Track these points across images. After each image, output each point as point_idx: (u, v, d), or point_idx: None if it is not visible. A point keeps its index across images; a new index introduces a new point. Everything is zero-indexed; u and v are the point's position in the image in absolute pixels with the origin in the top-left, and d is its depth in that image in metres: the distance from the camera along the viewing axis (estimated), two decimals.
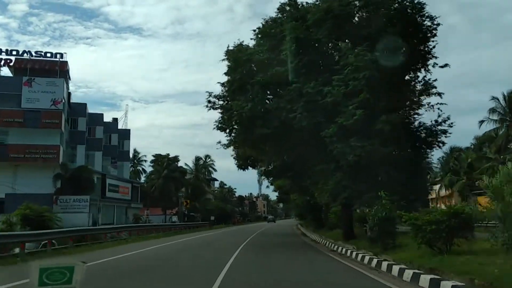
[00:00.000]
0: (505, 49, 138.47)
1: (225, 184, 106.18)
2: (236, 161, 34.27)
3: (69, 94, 46.04)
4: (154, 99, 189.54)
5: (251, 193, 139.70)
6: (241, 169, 34.83)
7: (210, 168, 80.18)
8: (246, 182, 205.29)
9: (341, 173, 19.84)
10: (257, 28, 23.11)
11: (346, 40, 20.47)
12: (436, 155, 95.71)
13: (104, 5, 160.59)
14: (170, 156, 67.64)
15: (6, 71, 44.46)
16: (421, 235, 12.09)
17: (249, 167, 35.94)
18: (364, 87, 18.45)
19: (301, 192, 34.72)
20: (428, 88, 19.77)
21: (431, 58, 21.33)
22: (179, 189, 67.73)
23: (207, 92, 23.04)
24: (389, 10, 20.34)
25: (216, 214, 72.27)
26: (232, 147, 24.67)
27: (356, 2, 20.44)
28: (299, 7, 22.41)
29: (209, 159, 79.29)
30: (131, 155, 75.04)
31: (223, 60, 23.01)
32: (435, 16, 20.80)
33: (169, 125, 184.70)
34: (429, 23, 20.81)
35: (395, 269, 11.10)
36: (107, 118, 59.63)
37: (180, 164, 70.78)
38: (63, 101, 41.84)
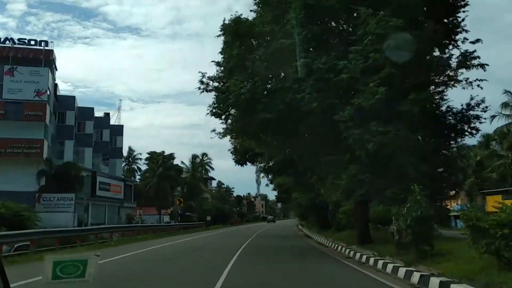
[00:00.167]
0: (504, 48, 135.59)
1: (223, 184, 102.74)
2: (234, 156, 30.91)
3: (55, 85, 42.53)
4: (152, 99, 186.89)
5: (249, 193, 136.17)
6: (239, 164, 31.46)
7: (207, 167, 76.64)
8: (244, 182, 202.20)
9: (357, 165, 16.42)
10: None
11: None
12: None
13: (103, 4, 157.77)
14: (166, 154, 64.16)
15: None
16: (486, 242, 8.66)
17: (247, 163, 32.58)
18: (387, 60, 15.06)
19: (305, 190, 31.31)
20: (467, 59, 16.22)
21: (460, 32, 17.94)
22: (175, 188, 64.28)
23: (199, 72, 19.61)
24: None
25: (213, 214, 68.75)
26: (229, 137, 21.16)
27: None
28: None
29: (206, 158, 75.81)
30: (125, 153, 71.69)
31: (219, 36, 19.62)
32: None
33: (167, 125, 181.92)
34: None
35: None
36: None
37: (176, 162, 67.45)
38: (48, 92, 38.36)
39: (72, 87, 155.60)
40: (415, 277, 9.63)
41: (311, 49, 17.76)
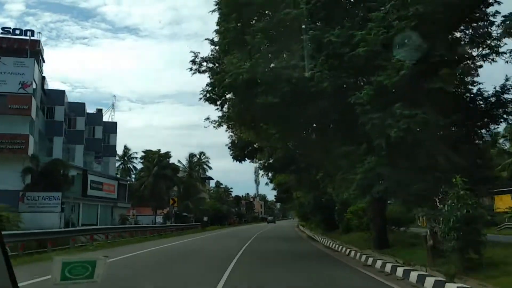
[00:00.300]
0: None
1: (221, 184, 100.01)
2: (232, 151, 28.27)
3: (43, 78, 39.75)
4: (151, 100, 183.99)
5: (248, 193, 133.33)
6: (237, 160, 28.79)
7: (205, 166, 73.91)
8: (243, 182, 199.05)
9: (375, 156, 13.79)
10: None
11: None
12: None
13: (101, 5, 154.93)
14: (162, 152, 61.46)
15: None
16: None
17: (246, 159, 29.93)
18: (414, 30, 12.45)
19: (308, 188, 28.67)
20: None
21: (492, 5, 15.27)
22: (171, 188, 61.54)
23: (191, 52, 16.93)
24: None
25: (211, 215, 65.98)
26: (225, 128, 18.45)
27: None
28: None
29: (204, 157, 73.09)
30: (120, 151, 69.02)
31: (213, 11, 16.98)
32: None
33: (166, 125, 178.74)
34: None
35: None
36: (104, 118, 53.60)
37: (173, 161, 64.75)
38: (34, 84, 35.64)
39: (70, 87, 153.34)
40: None
41: (318, 23, 15.13)
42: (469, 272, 9.08)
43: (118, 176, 62.03)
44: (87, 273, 2.46)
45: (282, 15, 14.51)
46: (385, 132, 12.96)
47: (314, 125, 17.84)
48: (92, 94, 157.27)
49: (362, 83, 13.31)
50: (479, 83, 15.58)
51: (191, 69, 16.62)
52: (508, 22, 13.26)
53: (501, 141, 49.97)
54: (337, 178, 18.27)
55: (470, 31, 14.23)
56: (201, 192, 70.79)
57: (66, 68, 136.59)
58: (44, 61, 40.64)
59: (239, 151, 27.17)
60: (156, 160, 59.31)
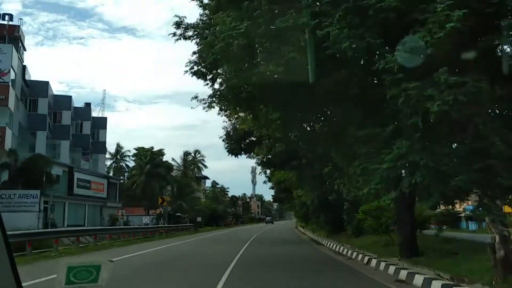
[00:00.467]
0: None
1: (217, 184, 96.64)
2: (227, 144, 25.08)
3: (24, 67, 36.38)
4: (148, 100, 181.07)
5: (244, 194, 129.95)
6: (232, 154, 25.63)
7: (200, 165, 70.44)
8: (240, 182, 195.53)
9: (407, 140, 10.62)
10: None
11: None
12: None
13: (98, 5, 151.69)
14: (154, 150, 58.18)
15: None
16: None
17: (242, 153, 26.75)
18: None
19: (312, 185, 25.46)
20: None
21: None
22: (164, 187, 58.18)
23: (176, 16, 13.66)
24: None
25: (206, 215, 62.69)
26: (217, 109, 15.08)
27: None
28: None
29: (199, 155, 69.70)
30: (112, 149, 65.65)
31: None
32: None
33: (163, 126, 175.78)
34: None
35: None
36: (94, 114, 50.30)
37: (167, 159, 61.46)
38: (13, 73, 32.33)
39: (67, 87, 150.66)
40: None
41: None
42: None
43: (109, 174, 58.74)
44: (92, 277, 2.37)
45: None
46: (423, 107, 9.79)
47: (325, 109, 14.62)
48: (89, 94, 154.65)
49: (392, 45, 10.13)
50: None
51: (174, 34, 13.38)
52: None
53: None
54: (350, 170, 15.06)
55: None
56: (196, 192, 67.42)
57: (63, 68, 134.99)
58: (25, 49, 37.29)
59: (235, 144, 24.02)
60: (149, 158, 56.03)
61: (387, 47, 10.59)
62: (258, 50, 11.66)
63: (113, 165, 68.40)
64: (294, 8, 11.56)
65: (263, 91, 13.04)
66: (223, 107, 14.66)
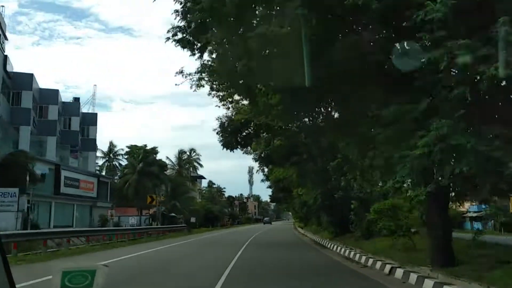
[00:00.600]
0: None
1: (214, 184, 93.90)
2: (221, 137, 22.59)
3: (5, 58, 33.75)
4: (145, 100, 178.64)
5: (241, 194, 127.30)
6: (227, 148, 23.14)
7: (196, 164, 67.86)
8: (236, 183, 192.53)
9: (446, 119, 8.17)
10: None
11: None
12: None
13: (95, 5, 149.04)
14: (148, 148, 55.52)
15: None
16: None
17: (238, 147, 24.25)
18: None
19: (316, 181, 22.94)
20: None
21: None
22: (158, 186, 55.51)
23: None
24: None
25: (201, 215, 60.09)
26: (207, 88, 12.41)
27: None
28: None
29: (195, 154, 67.11)
30: (105, 148, 63.05)
31: None
32: None
33: (160, 126, 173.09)
34: None
35: None
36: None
37: (161, 158, 58.87)
38: None
39: (64, 87, 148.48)
40: None
41: None
42: None
43: (101, 173, 56.10)
44: (87, 282, 2.32)
45: None
46: (475, 73, 7.37)
47: (335, 91, 12.09)
48: (86, 94, 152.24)
49: None
50: None
51: None
52: None
53: None
54: (365, 162, 12.60)
55: None
56: (191, 192, 64.77)
57: (59, 68, 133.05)
58: (6, 39, 34.65)
59: (230, 137, 21.48)
60: (142, 156, 53.35)
61: None
62: (256, 7, 9.14)
63: (106, 164, 65.86)
64: None
65: (262, 63, 10.51)
66: (214, 85, 12.10)
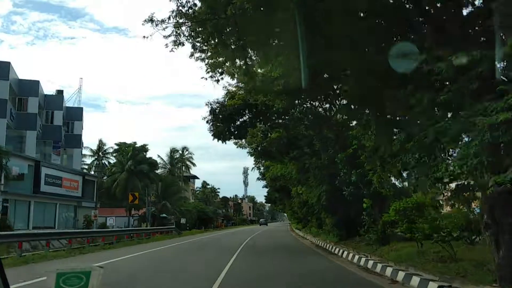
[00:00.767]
0: None
1: (208, 184, 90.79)
2: (211, 126, 19.57)
3: None
4: (140, 101, 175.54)
5: (236, 195, 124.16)
6: (219, 139, 20.15)
7: (188, 163, 64.70)
8: (231, 185, 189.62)
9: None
10: None
11: None
12: None
13: (90, 5, 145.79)
14: (137, 145, 52.42)
15: None
16: None
17: (232, 138, 21.22)
18: None
19: (320, 177, 19.97)
20: None
21: None
22: (148, 186, 52.39)
23: None
24: None
25: (193, 217, 56.93)
26: (189, 44, 9.23)
27: None
28: None
29: (187, 152, 63.98)
30: (94, 146, 59.84)
31: None
32: None
33: (156, 127, 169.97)
34: None
35: None
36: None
37: (152, 156, 55.76)
38: None
39: (58, 87, 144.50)
40: None
41: None
42: None
43: (89, 172, 52.88)
44: (82, 283, 2.37)
45: None
46: None
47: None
48: (82, 95, 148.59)
49: None
50: None
51: None
52: None
53: None
54: (394, 147, 9.62)
55: None
56: (184, 191, 61.63)
57: (53, 68, 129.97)
58: None
59: (222, 124, 18.44)
60: (131, 153, 50.23)
61: None
62: None
63: (95, 162, 62.68)
64: None
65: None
66: (197, 42, 9.05)
